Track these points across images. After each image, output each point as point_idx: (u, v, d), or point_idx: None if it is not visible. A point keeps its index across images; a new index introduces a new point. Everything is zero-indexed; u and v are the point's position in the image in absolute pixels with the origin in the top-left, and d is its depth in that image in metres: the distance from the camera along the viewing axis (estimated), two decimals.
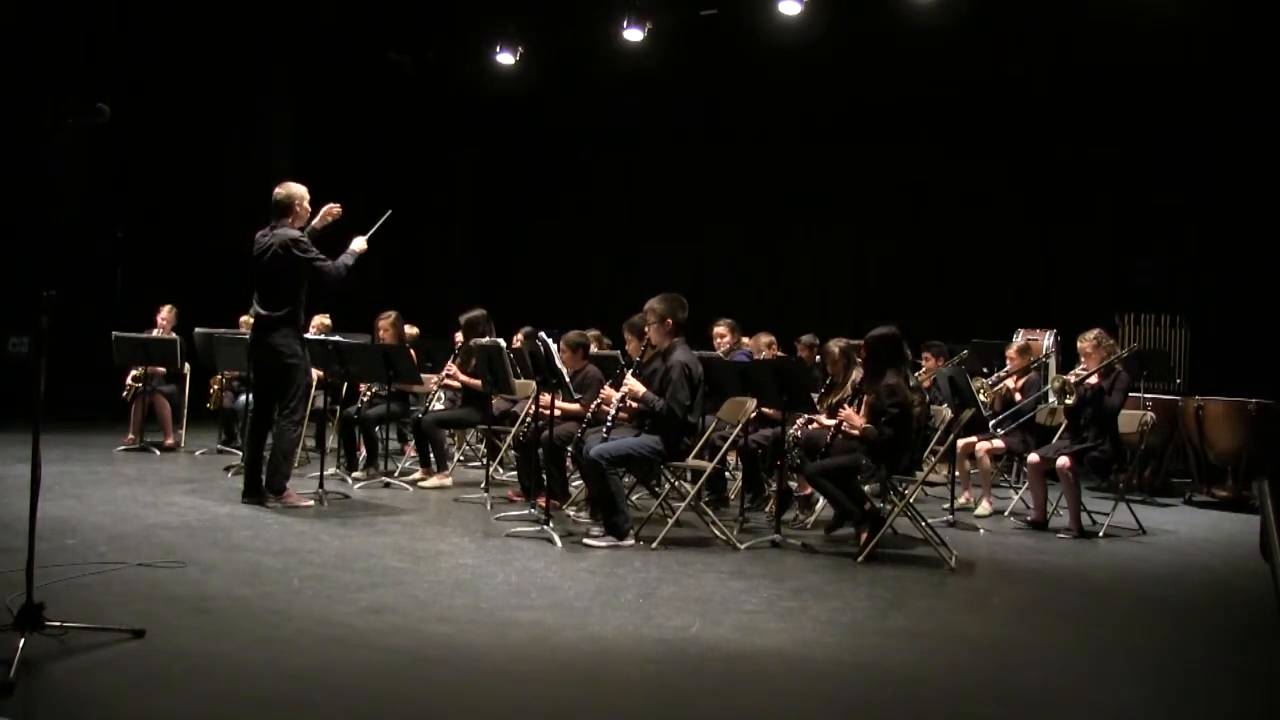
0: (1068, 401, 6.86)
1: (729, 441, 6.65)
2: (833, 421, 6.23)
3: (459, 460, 8.72)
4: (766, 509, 6.92)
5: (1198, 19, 9.52)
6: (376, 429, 7.99)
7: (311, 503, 6.51)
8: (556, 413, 6.29)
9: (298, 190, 6.48)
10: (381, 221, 6.76)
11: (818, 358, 7.96)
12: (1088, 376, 6.79)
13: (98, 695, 3.23)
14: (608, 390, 6.28)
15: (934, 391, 7.32)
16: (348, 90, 13.05)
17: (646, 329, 6.06)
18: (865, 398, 5.96)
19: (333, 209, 6.59)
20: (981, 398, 7.47)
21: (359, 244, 6.57)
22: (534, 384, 6.66)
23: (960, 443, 7.17)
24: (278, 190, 6.48)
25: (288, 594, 4.41)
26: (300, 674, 3.49)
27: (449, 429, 8.30)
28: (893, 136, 11.72)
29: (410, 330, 9.11)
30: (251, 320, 6.59)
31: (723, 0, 11.30)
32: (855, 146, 11.99)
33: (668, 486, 6.70)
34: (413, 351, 7.62)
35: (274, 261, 6.27)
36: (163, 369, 8.87)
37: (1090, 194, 11.00)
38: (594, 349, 7.62)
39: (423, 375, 7.97)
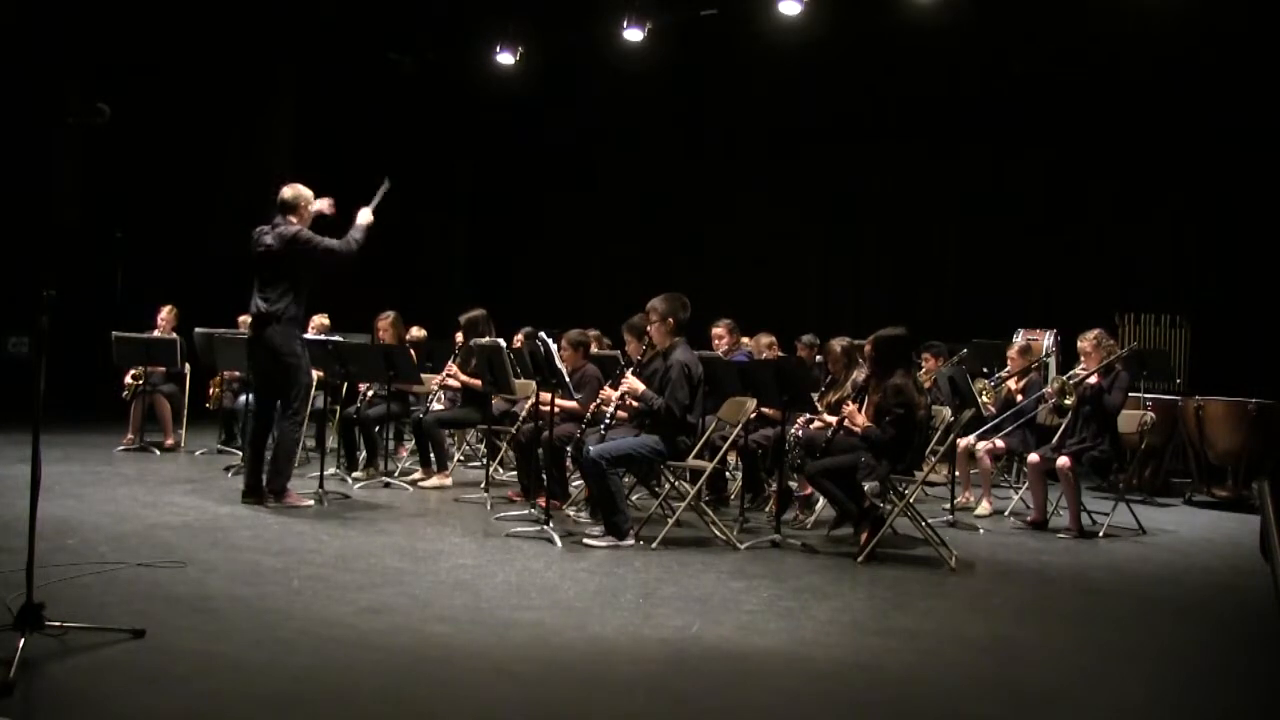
0: (1067, 402, 6.86)
1: (729, 441, 6.65)
2: (834, 419, 6.23)
3: (459, 460, 8.72)
4: (766, 509, 6.91)
5: (1199, 19, 9.51)
6: (376, 429, 7.99)
7: (311, 503, 6.50)
8: (556, 413, 6.29)
9: (305, 192, 6.50)
10: (382, 191, 6.72)
11: (818, 358, 7.97)
12: (1087, 377, 6.79)
13: (98, 695, 3.23)
14: (607, 390, 6.28)
15: (934, 392, 7.32)
16: (348, 90, 13.05)
17: (648, 328, 6.06)
18: (871, 397, 5.96)
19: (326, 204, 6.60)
20: (984, 399, 7.48)
21: (365, 216, 6.55)
22: (534, 384, 6.67)
23: (960, 443, 7.18)
24: (285, 190, 6.50)
25: (288, 594, 4.41)
26: (300, 674, 3.49)
27: (449, 429, 8.30)
28: (893, 136, 11.72)
29: (418, 332, 9.12)
30: (250, 319, 6.57)
31: (723, 0, 11.30)
32: (856, 146, 11.99)
33: (668, 486, 6.70)
34: (413, 352, 7.62)
35: (271, 257, 6.27)
36: (163, 369, 8.87)
37: (1091, 194, 11.00)
38: (594, 349, 7.62)
39: (423, 375, 7.97)
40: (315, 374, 7.11)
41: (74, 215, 11.13)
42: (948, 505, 7.07)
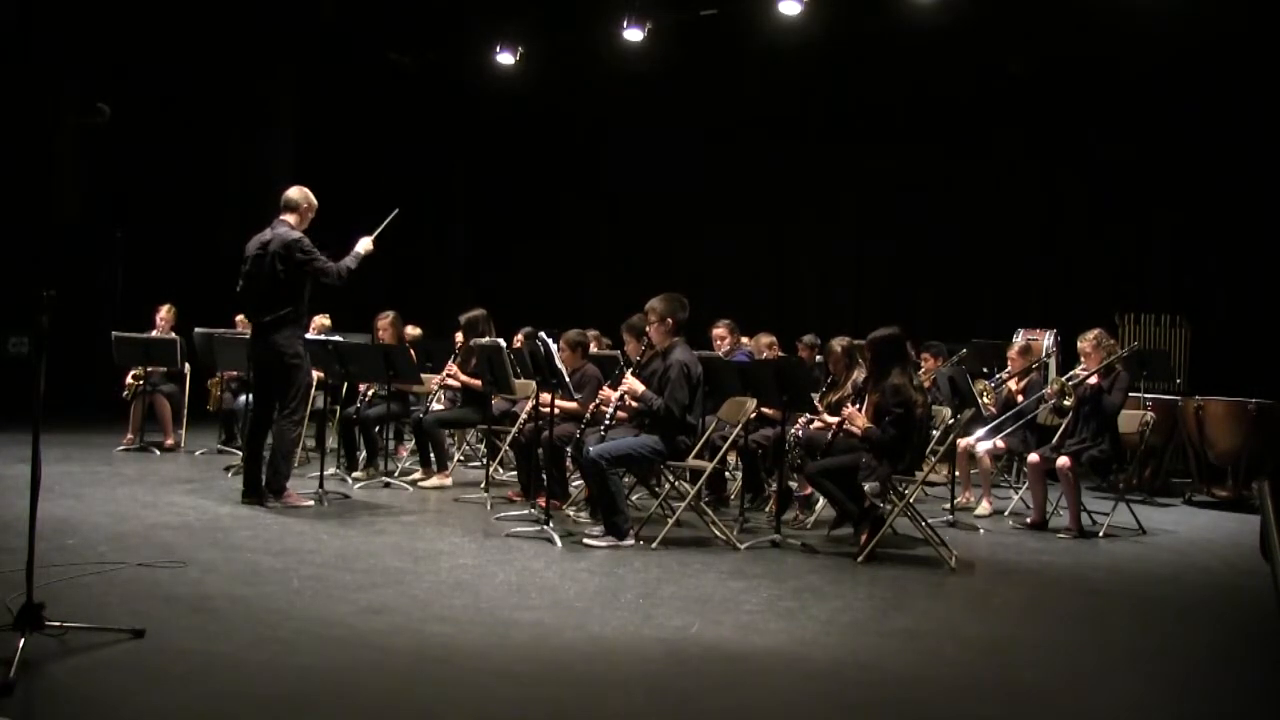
0: (1066, 403, 6.86)
1: (729, 441, 6.65)
2: (835, 420, 6.23)
3: (459, 460, 8.72)
4: (766, 509, 6.92)
5: (1199, 19, 9.51)
6: (376, 429, 7.99)
7: (311, 503, 6.51)
8: (556, 413, 6.29)
9: (311, 197, 6.54)
10: (388, 221, 6.76)
11: (818, 358, 7.97)
12: (1087, 377, 6.79)
13: (98, 695, 3.23)
14: (606, 390, 6.28)
15: (934, 392, 7.31)
16: (348, 90, 13.05)
17: (647, 329, 6.07)
18: (870, 397, 5.96)
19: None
20: (984, 399, 7.48)
21: (365, 245, 6.58)
22: (534, 384, 6.67)
23: (960, 443, 7.18)
24: (292, 190, 6.53)
25: (288, 594, 4.41)
26: (300, 674, 3.49)
27: (449, 429, 8.30)
28: (893, 136, 11.71)
29: (412, 331, 9.11)
30: (251, 324, 6.58)
31: (723, 0, 11.30)
32: (855, 146, 11.99)
33: (668, 486, 6.70)
34: (413, 351, 7.62)
35: (274, 263, 6.28)
36: (163, 369, 8.87)
37: (1091, 194, 10.99)
38: (594, 349, 7.63)
39: (423, 375, 7.97)
40: (315, 374, 7.12)
41: (74, 214, 11.12)
42: (948, 505, 7.07)
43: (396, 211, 6.79)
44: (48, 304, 3.51)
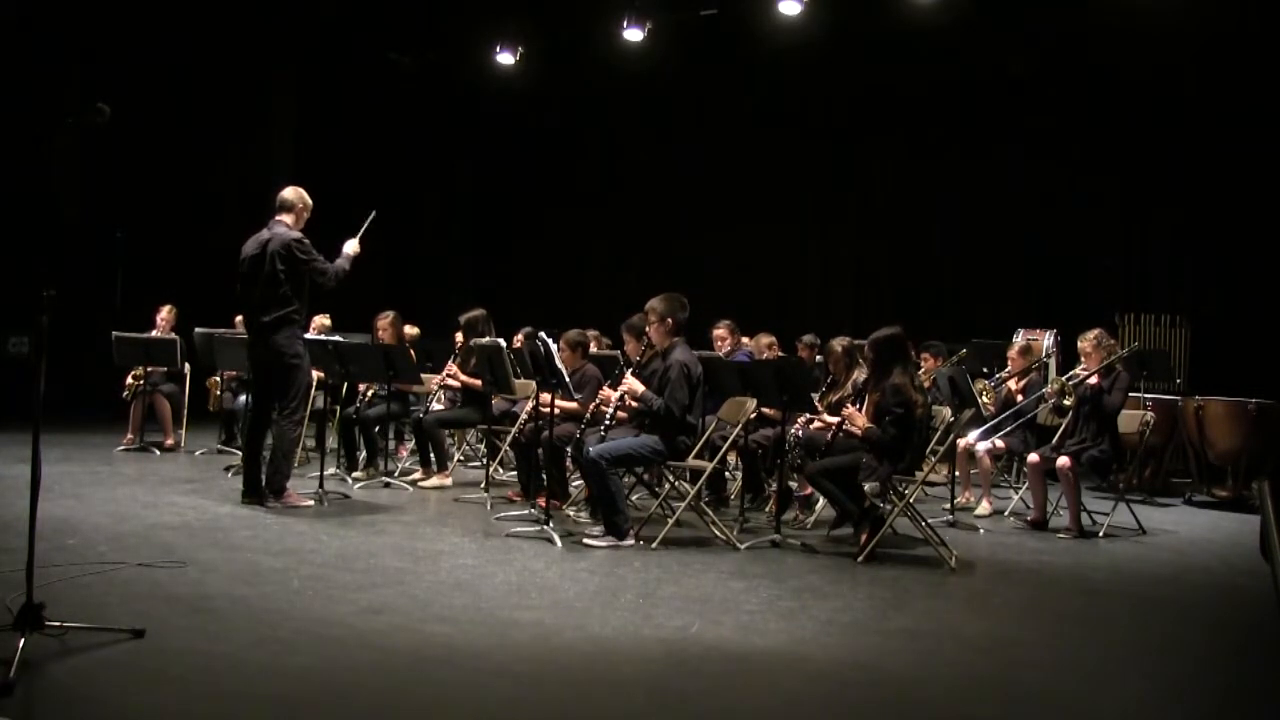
0: (1066, 403, 6.87)
1: (729, 441, 6.65)
2: (835, 419, 6.23)
3: (459, 460, 8.72)
4: (766, 509, 6.92)
5: (1200, 20, 9.52)
6: (376, 429, 7.99)
7: (311, 503, 6.51)
8: (556, 413, 6.29)
9: (305, 195, 6.57)
10: (368, 223, 6.86)
11: (818, 358, 7.97)
12: (1087, 377, 6.80)
13: (98, 695, 3.23)
14: (606, 390, 6.28)
15: (934, 392, 7.31)
16: (348, 90, 13.05)
17: (647, 329, 6.07)
18: (870, 397, 5.96)
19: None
20: (984, 399, 7.48)
21: (352, 246, 6.67)
22: (534, 384, 6.67)
23: (960, 443, 7.18)
24: (287, 190, 6.55)
25: (288, 594, 4.41)
26: (300, 674, 3.49)
27: (449, 429, 8.30)
28: (894, 136, 11.72)
29: (410, 330, 9.12)
30: (250, 325, 6.58)
31: (723, 0, 11.30)
32: (855, 146, 11.99)
33: (668, 486, 6.70)
34: (413, 351, 7.62)
35: (274, 263, 6.28)
36: (163, 369, 8.87)
37: (1091, 194, 10.99)
38: (593, 349, 7.63)
39: (423, 375, 7.97)
40: (315, 374, 7.12)
41: (74, 214, 11.13)
42: (948, 505, 7.07)
43: (374, 214, 6.91)
44: (48, 304, 3.51)
